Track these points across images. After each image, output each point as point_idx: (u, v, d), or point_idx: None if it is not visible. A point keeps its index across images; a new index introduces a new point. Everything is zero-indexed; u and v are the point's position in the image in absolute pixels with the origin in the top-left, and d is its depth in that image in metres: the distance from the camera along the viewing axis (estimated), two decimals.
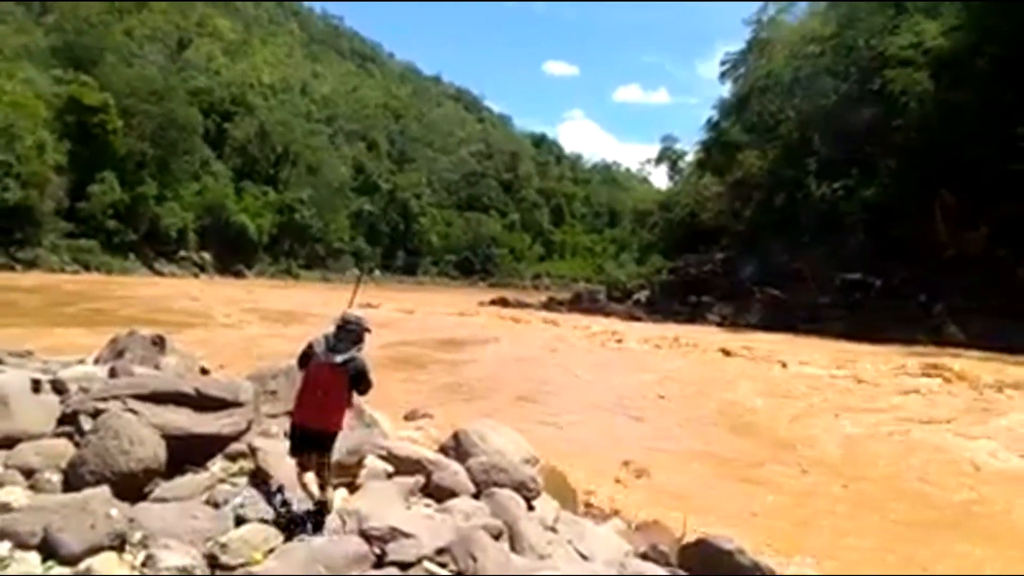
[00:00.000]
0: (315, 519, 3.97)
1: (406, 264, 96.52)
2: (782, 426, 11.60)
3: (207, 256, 68.10)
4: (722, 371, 18.60)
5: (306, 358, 4.94)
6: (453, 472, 5.36)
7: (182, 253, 66.29)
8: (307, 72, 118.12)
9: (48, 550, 3.16)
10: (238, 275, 67.65)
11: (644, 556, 4.71)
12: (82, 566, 3.15)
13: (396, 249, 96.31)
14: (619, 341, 25.81)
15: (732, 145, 49.96)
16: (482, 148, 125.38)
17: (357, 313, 5.12)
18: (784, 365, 19.34)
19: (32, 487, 3.71)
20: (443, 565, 3.76)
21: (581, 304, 44.95)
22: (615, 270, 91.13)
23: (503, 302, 47.79)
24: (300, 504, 4.10)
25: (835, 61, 42.39)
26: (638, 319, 38.53)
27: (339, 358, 4.76)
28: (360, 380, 4.87)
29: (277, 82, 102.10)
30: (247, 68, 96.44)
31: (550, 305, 46.76)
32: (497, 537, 4.51)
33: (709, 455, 9.55)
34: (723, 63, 56.88)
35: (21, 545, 3.16)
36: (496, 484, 5.34)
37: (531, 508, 5.29)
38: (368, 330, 5.04)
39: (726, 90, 57.41)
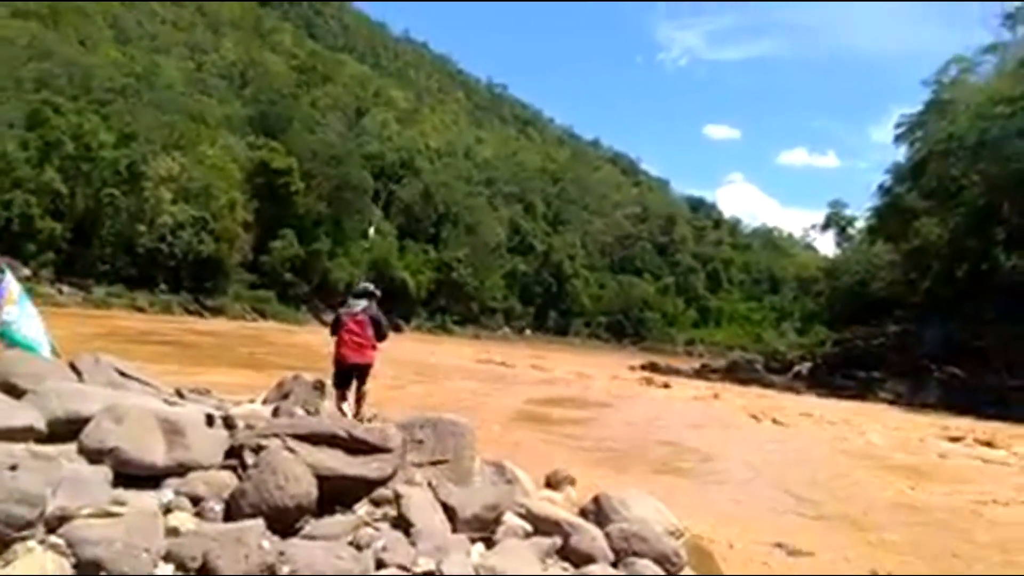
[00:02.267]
0: None
1: (557, 324, 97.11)
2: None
3: None
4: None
5: (337, 323, 7.67)
6: (591, 537, 5.22)
7: None
8: (471, 137, 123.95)
9: (205, 575, 3.37)
10: (396, 328, 70.58)
11: None
12: None
13: (548, 309, 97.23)
14: (775, 418, 24.43)
15: (908, 211, 46.75)
16: (637, 211, 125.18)
17: (364, 284, 8.00)
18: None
19: (198, 514, 3.98)
20: None
21: (737, 373, 43.16)
22: (774, 339, 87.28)
23: (653, 367, 46.84)
24: None
25: None
26: (798, 392, 36.42)
27: (358, 308, 7.52)
28: (377, 324, 7.53)
29: (443, 146, 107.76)
30: (416, 134, 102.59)
31: (703, 372, 45.31)
32: None
33: (880, 547, 8.73)
34: (898, 126, 53.78)
35: (183, 568, 3.39)
36: (636, 554, 5.15)
37: None
38: (374, 293, 7.70)
39: (901, 154, 54.05)
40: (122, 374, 5.89)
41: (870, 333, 45.73)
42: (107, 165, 52.19)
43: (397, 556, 3.96)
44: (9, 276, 6.78)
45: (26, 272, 43.71)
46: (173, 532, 3.61)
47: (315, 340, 41.42)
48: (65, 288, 47.58)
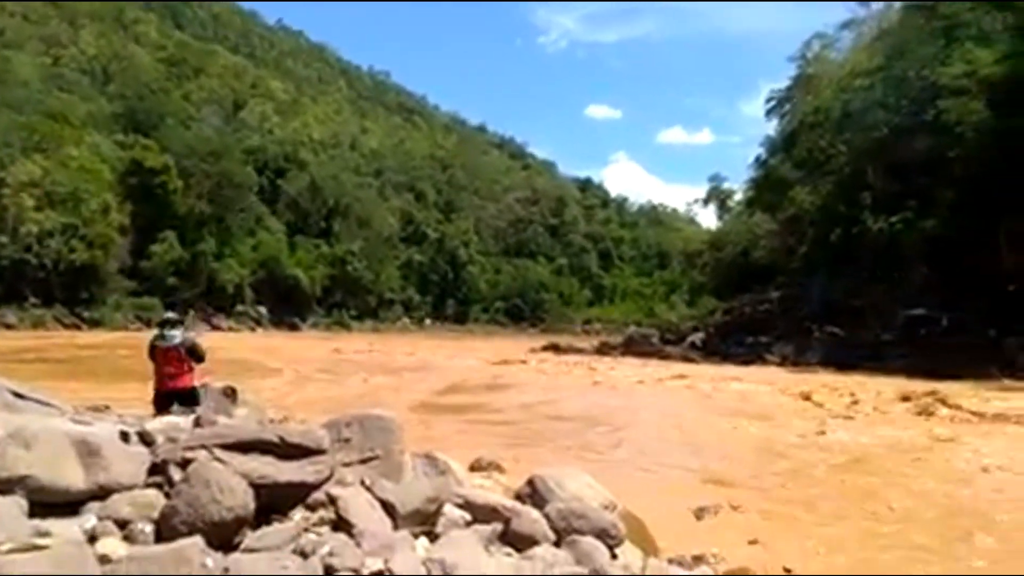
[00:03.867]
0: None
1: (456, 313, 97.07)
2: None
3: (263, 310, 69.60)
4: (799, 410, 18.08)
5: (152, 349, 8.10)
6: (532, 519, 5.24)
7: (239, 308, 67.85)
8: (356, 127, 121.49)
9: None
10: (292, 327, 68.85)
11: None
12: None
13: (446, 298, 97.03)
14: (679, 378, 25.38)
15: (782, 182, 49.40)
16: (528, 194, 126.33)
17: (170, 314, 8.71)
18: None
19: (126, 538, 3.73)
20: None
21: (634, 347, 44.42)
22: (666, 312, 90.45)
23: (554, 348, 47.53)
24: None
25: (885, 93, 41.82)
26: (694, 361, 37.86)
27: (174, 339, 8.04)
28: (192, 351, 8.13)
29: (327, 138, 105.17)
30: (299, 126, 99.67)
31: (603, 349, 46.36)
32: None
33: (783, 497, 9.22)
34: (768, 100, 56.76)
35: None
36: (576, 531, 5.21)
37: (614, 556, 5.14)
38: (181, 321, 8.51)
39: (772, 128, 57.15)
40: (16, 395, 5.43)
41: (755, 300, 48.12)
42: None
43: (346, 559, 3.84)
44: None
45: None
46: (104, 560, 3.37)
47: (210, 344, 39.82)
48: None
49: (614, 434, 14.34)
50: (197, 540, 3.53)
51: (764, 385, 24.47)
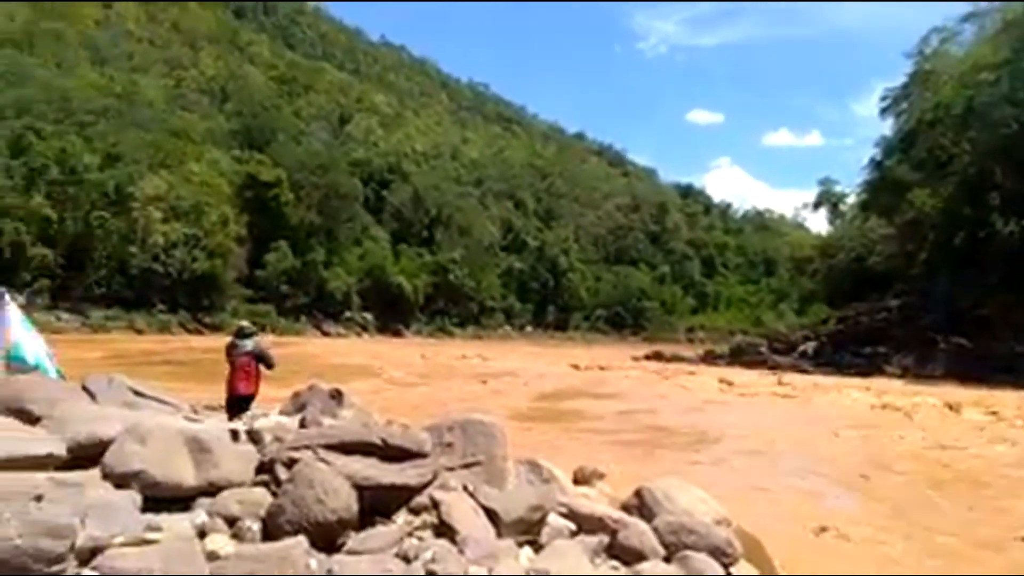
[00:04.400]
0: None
1: (557, 319, 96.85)
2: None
3: (368, 316, 71.59)
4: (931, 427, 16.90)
5: (229, 354, 8.49)
6: (640, 532, 5.00)
7: (347, 314, 70.06)
8: (456, 138, 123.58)
9: None
10: (397, 334, 70.49)
11: None
12: None
13: (547, 305, 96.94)
14: (787, 390, 24.29)
15: (900, 184, 46.56)
16: (628, 201, 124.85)
17: (244, 322, 9.28)
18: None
19: (234, 535, 3.75)
20: None
21: (742, 357, 42.91)
22: (774, 321, 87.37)
23: (657, 356, 46.61)
24: None
25: (1013, 88, 38.81)
26: (806, 372, 36.20)
27: (247, 347, 8.43)
28: (261, 358, 8.54)
29: (429, 149, 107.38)
30: (402, 138, 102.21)
31: (708, 358, 45.06)
32: None
33: (920, 523, 8.53)
34: (883, 99, 53.61)
35: None
36: (688, 547, 4.93)
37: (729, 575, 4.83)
38: (254, 332, 8.85)
39: (887, 127, 53.96)
40: (137, 393, 5.64)
41: (872, 308, 45.61)
42: (94, 187, 51.73)
43: (448, 566, 3.73)
44: (9, 301, 6.54)
45: (21, 300, 43.16)
46: (213, 556, 3.38)
47: (318, 350, 41.26)
48: (63, 314, 47.12)
49: (722, 446, 13.78)
50: (301, 540, 3.50)
51: (882, 396, 23.06)
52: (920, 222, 44.52)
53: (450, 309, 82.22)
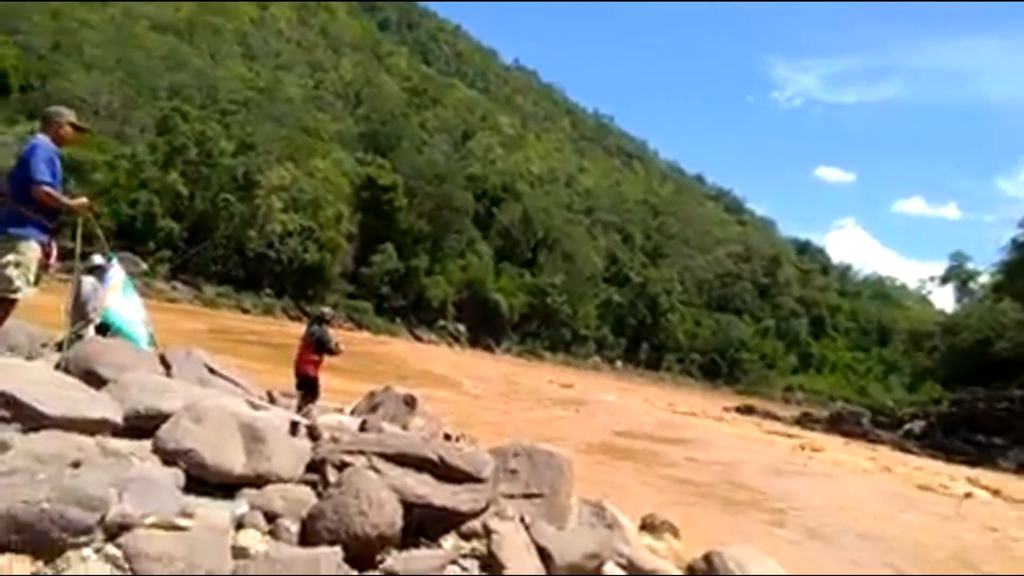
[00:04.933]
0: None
1: (649, 358, 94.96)
2: None
3: (462, 328, 72.36)
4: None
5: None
6: None
7: (441, 323, 71.08)
8: (574, 165, 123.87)
9: None
10: (487, 348, 70.88)
11: None
12: None
13: (640, 341, 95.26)
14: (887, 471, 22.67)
15: None
16: (740, 250, 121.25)
17: (325, 308, 10.10)
18: None
19: (271, 532, 3.58)
20: None
21: (841, 426, 40.57)
22: (880, 394, 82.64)
23: (749, 410, 44.77)
24: None
25: None
26: (909, 451, 33.85)
27: (312, 331, 9.10)
28: (320, 343, 9.02)
29: (545, 173, 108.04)
30: (520, 159, 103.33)
31: (803, 421, 42.87)
32: None
33: None
34: None
35: None
36: None
37: None
38: (325, 318, 9.51)
39: None
40: (212, 371, 5.63)
41: (993, 396, 42.28)
42: (225, 171, 54.80)
43: None
44: (116, 265, 6.72)
45: (144, 267, 46.13)
46: (242, 552, 3.21)
47: (407, 353, 41.88)
48: (179, 285, 49.98)
49: (802, 516, 12.86)
50: (335, 552, 3.27)
51: (984, 491, 21.17)
52: None
53: (543, 332, 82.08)
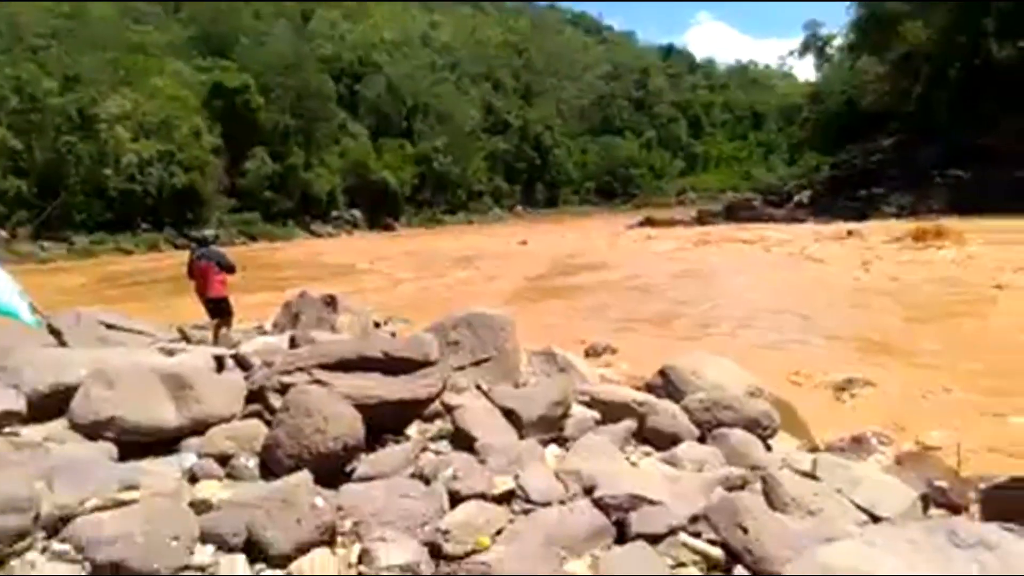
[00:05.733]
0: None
1: (547, 197, 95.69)
2: None
3: (357, 214, 70.68)
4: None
5: (191, 267, 8.78)
6: (671, 414, 4.64)
7: (334, 214, 69.15)
8: (424, 23, 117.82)
9: (255, 551, 2.77)
10: (388, 228, 69.80)
11: (932, 503, 3.82)
12: (293, 567, 2.73)
13: (535, 183, 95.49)
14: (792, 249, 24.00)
15: (890, 18, 44.41)
16: (608, 69, 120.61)
17: (207, 231, 9.99)
18: None
19: (230, 475, 3.37)
20: (697, 535, 3.08)
21: (737, 214, 42.32)
22: (765, 175, 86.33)
23: (651, 222, 45.95)
24: None
25: None
26: (802, 221, 35.80)
27: (204, 254, 8.64)
28: (220, 263, 8.59)
29: (398, 36, 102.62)
30: (368, 29, 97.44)
31: (702, 219, 44.41)
32: (740, 488, 3.80)
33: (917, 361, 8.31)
34: None
35: (225, 547, 2.78)
36: (723, 424, 4.59)
37: (769, 449, 4.51)
38: (213, 238, 9.38)
39: None
40: (110, 327, 5.16)
41: (866, 150, 44.75)
42: (56, 113, 49.68)
43: (472, 481, 3.35)
44: None
45: (2, 234, 42.70)
46: (204, 506, 2.99)
47: (309, 252, 40.76)
48: (47, 244, 46.38)
49: (728, 309, 13.49)
50: (304, 476, 3.09)
51: (880, 237, 22.90)
52: (913, 56, 42.87)
53: (438, 198, 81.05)
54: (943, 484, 4.00)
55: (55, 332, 4.90)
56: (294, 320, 8.10)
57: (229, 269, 8.79)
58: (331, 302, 8.10)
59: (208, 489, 3.12)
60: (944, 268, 16.50)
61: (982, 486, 3.82)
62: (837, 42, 58.14)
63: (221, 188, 60.16)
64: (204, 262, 8.66)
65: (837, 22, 58.18)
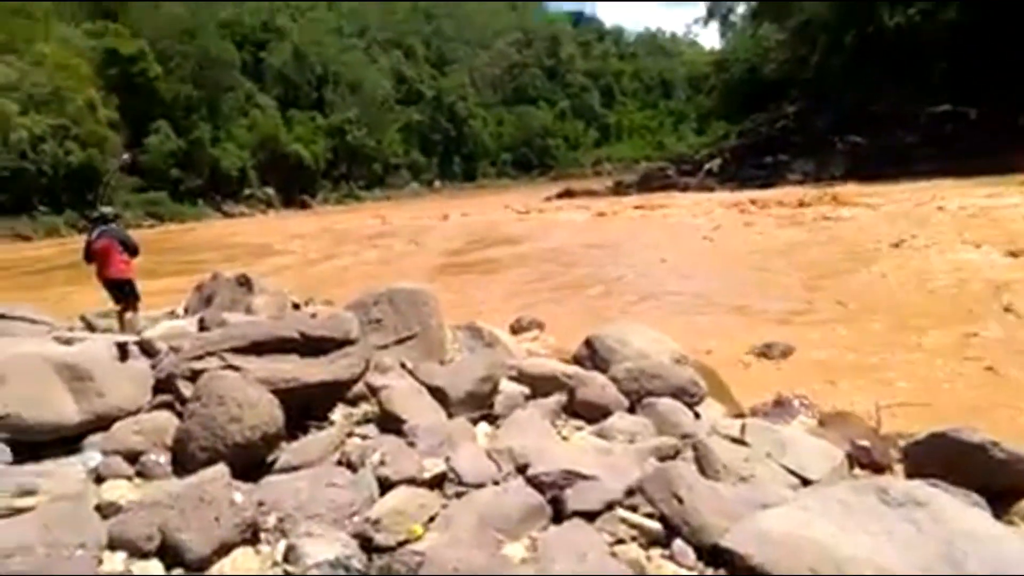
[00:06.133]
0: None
1: (464, 170, 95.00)
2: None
3: (270, 191, 68.32)
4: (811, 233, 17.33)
5: (88, 249, 8.12)
6: (600, 385, 4.62)
7: (246, 192, 66.58)
8: None
9: (170, 556, 2.57)
10: (303, 205, 67.83)
11: (857, 463, 3.93)
12: (213, 569, 2.55)
13: (452, 156, 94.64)
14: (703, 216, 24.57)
15: None
16: (520, 36, 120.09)
17: (105, 208, 8.90)
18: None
19: (140, 473, 3.14)
20: (634, 508, 3.05)
21: (651, 183, 43.04)
22: (676, 145, 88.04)
23: (568, 194, 46.27)
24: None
25: None
26: (712, 189, 36.68)
27: (104, 231, 8.09)
28: (124, 243, 8.10)
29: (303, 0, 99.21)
30: None
31: (618, 189, 45.00)
32: (672, 458, 3.81)
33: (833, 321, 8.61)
34: None
35: (138, 553, 2.58)
36: (651, 393, 4.60)
37: (697, 417, 4.55)
38: (114, 216, 8.57)
39: None
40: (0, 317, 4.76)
41: (770, 118, 46.10)
42: None
43: (401, 466, 3.23)
44: None
45: None
46: (112, 509, 2.77)
47: (221, 233, 39.28)
48: None
49: (646, 277, 13.66)
50: (220, 470, 2.90)
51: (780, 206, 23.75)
52: (811, 24, 44.18)
53: (354, 172, 79.29)
54: (866, 443, 4.11)
55: None
56: (206, 303, 7.72)
57: (133, 250, 8.25)
58: (245, 283, 7.75)
59: (115, 490, 2.89)
60: (836, 231, 17.22)
61: (902, 443, 3.94)
62: (740, 10, 59.35)
63: (122, 166, 56.98)
64: (105, 240, 8.08)
65: None
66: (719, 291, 11.37)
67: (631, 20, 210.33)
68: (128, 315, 7.86)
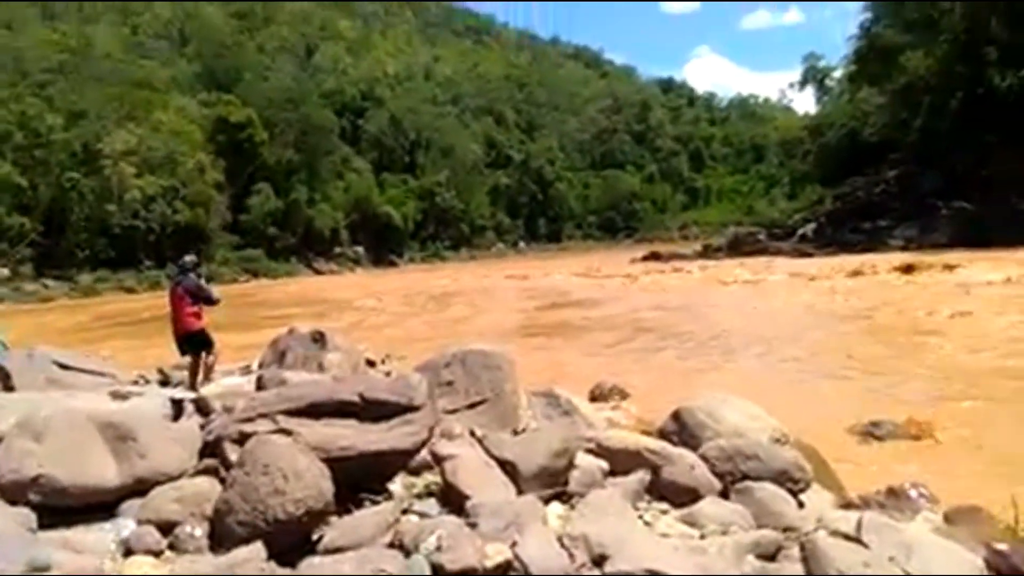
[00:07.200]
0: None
1: (549, 232, 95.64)
2: None
3: (360, 250, 70.38)
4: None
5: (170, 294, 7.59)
6: (688, 465, 4.11)
7: (337, 250, 68.79)
8: (427, 57, 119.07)
9: None
10: (390, 264, 69.49)
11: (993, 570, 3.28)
12: None
13: (537, 218, 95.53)
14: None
15: (890, 49, 44.31)
16: (609, 103, 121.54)
17: (186, 257, 8.16)
18: None
19: (172, 546, 2.84)
20: None
21: (741, 248, 41.87)
22: (767, 209, 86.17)
23: (655, 257, 45.57)
24: None
25: None
26: (809, 255, 35.29)
27: (180, 281, 7.57)
28: (193, 293, 7.35)
29: (401, 71, 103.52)
30: (371, 63, 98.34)
31: (706, 253, 44.02)
32: (773, 557, 3.26)
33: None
34: None
35: None
36: (747, 476, 4.06)
37: (801, 506, 3.97)
38: (190, 265, 7.79)
39: None
40: (63, 367, 4.66)
41: (868, 182, 44.50)
42: (61, 148, 49.63)
43: (460, 553, 2.82)
44: None
45: (5, 273, 42.46)
46: None
47: (309, 289, 40.36)
48: (50, 282, 45.98)
49: (749, 347, 12.86)
50: (256, 550, 2.57)
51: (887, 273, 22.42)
52: (913, 87, 42.69)
53: (441, 233, 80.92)
54: (1003, 547, 3.45)
55: (3, 373, 4.41)
56: (280, 359, 7.59)
57: (206, 299, 7.58)
58: (320, 339, 7.59)
59: (138, 567, 2.59)
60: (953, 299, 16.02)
61: None
62: (837, 74, 58.27)
63: (224, 224, 59.98)
64: (177, 291, 7.58)
65: (836, 54, 58.11)
66: (819, 360, 10.59)
67: (722, 86, 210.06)
68: (210, 359, 7.46)
